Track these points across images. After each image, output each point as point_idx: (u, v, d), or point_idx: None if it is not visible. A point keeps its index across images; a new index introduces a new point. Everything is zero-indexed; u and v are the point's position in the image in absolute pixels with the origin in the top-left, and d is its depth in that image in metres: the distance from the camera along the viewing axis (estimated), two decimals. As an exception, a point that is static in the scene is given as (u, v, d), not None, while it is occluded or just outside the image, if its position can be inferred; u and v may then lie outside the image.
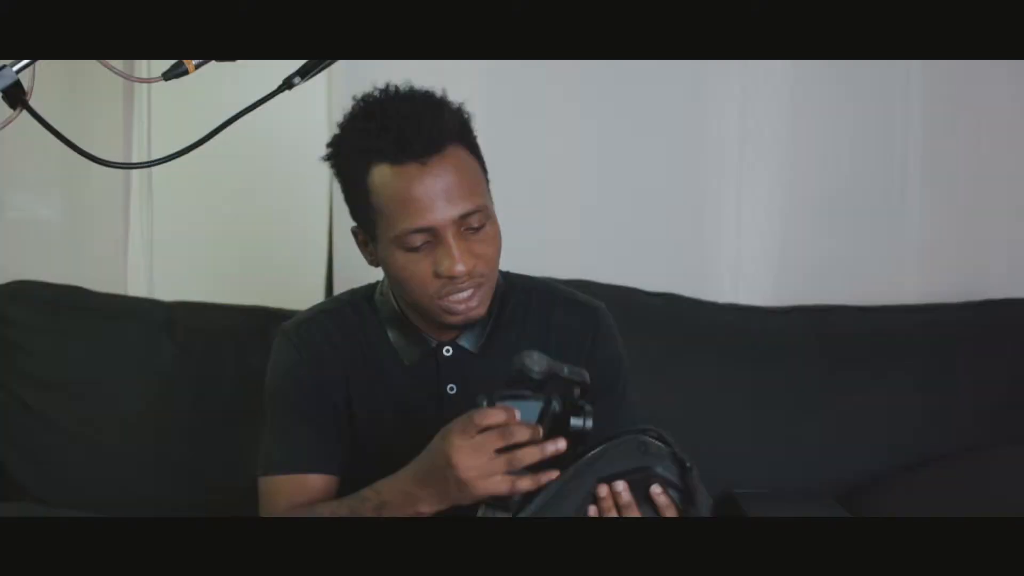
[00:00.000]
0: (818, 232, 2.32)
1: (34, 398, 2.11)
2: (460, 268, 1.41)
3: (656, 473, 1.31)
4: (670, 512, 1.33)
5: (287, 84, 1.34)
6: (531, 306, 1.59)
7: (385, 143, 1.42)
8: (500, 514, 1.27)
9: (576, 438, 1.27)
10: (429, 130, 1.41)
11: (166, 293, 2.26)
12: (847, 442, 2.09)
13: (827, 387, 2.12)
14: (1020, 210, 2.31)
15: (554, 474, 1.26)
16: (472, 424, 1.26)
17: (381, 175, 1.43)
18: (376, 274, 1.70)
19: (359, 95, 1.50)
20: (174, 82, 1.29)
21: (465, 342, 1.54)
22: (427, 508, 1.33)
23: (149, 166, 1.42)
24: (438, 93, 1.49)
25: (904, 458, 2.08)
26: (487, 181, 1.50)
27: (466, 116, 1.49)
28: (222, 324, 2.16)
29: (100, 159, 1.25)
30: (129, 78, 1.37)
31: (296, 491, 1.51)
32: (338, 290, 2.28)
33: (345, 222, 2.26)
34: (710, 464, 2.05)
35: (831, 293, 2.27)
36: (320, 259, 2.31)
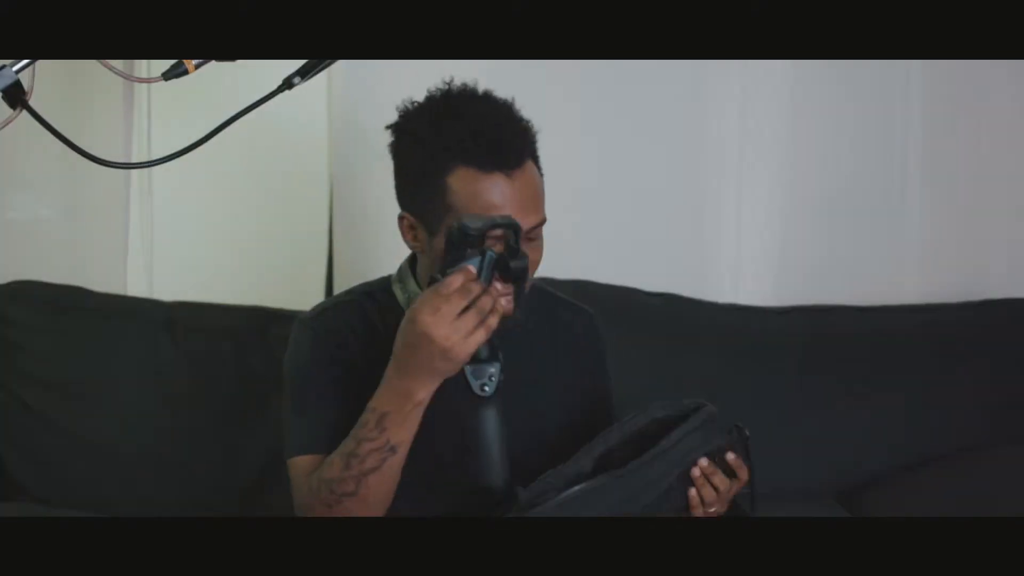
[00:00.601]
0: (818, 232, 2.32)
1: (34, 398, 2.11)
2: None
3: (727, 444, 1.45)
4: (743, 474, 1.47)
5: (287, 84, 1.34)
6: (537, 306, 1.62)
7: (476, 149, 1.45)
8: (486, 369, 1.36)
9: (517, 275, 1.38)
10: (516, 143, 1.48)
11: (166, 293, 2.26)
12: (847, 442, 2.09)
13: (827, 387, 2.12)
14: (1020, 210, 2.31)
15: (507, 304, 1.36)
16: (438, 296, 1.31)
17: (466, 178, 1.45)
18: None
19: (434, 89, 1.52)
20: (174, 82, 1.29)
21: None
22: (423, 393, 1.36)
23: (149, 166, 1.42)
24: (511, 102, 1.54)
25: (904, 458, 2.08)
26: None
27: (535, 133, 1.54)
28: (222, 324, 2.16)
29: (100, 159, 1.25)
30: (129, 78, 1.37)
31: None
32: (338, 290, 2.28)
33: (345, 223, 2.29)
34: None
35: (831, 293, 2.27)
36: (320, 259, 2.31)
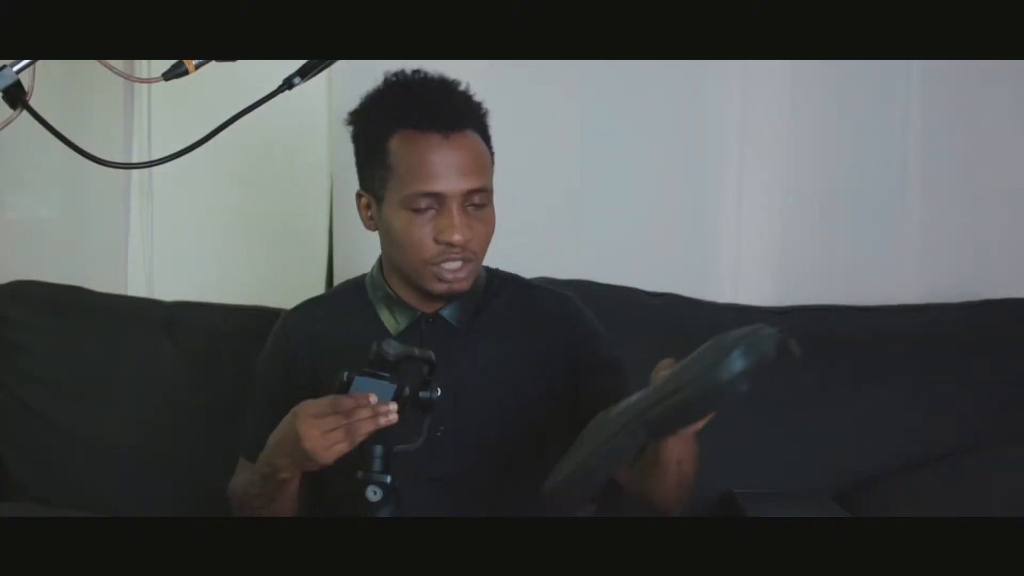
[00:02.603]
0: (818, 232, 2.32)
1: (34, 398, 2.11)
2: (458, 237, 1.54)
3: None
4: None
5: (287, 84, 1.34)
6: (509, 292, 1.71)
7: (415, 111, 1.55)
8: (376, 477, 1.39)
9: (425, 407, 1.43)
10: (455, 109, 1.58)
11: (166, 293, 2.26)
12: (847, 442, 2.09)
13: (827, 387, 2.12)
14: (1020, 210, 2.31)
15: (392, 415, 1.36)
16: (327, 407, 1.37)
17: (404, 139, 1.56)
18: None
19: (391, 72, 1.62)
20: (174, 82, 1.29)
21: (448, 314, 1.64)
22: (286, 474, 1.48)
23: (149, 166, 1.42)
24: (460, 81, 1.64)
25: (904, 458, 2.07)
26: (491, 171, 1.63)
27: (484, 110, 1.64)
28: (222, 324, 2.16)
29: (100, 159, 1.25)
30: (129, 78, 1.37)
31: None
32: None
33: (345, 222, 2.29)
34: (710, 464, 2.07)
35: (831, 293, 2.27)
36: (320, 259, 2.31)
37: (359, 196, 1.64)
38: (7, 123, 1.18)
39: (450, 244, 1.54)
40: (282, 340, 1.71)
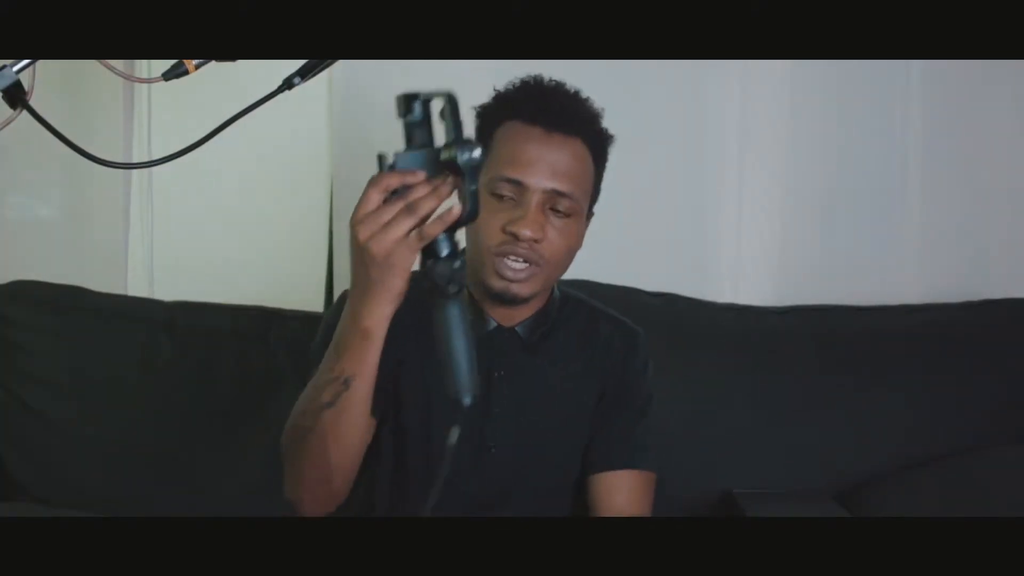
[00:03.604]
0: (818, 232, 2.32)
1: (34, 398, 2.11)
2: (527, 232, 1.47)
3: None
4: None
5: (287, 84, 1.34)
6: (580, 317, 1.67)
7: (528, 106, 1.52)
8: (441, 270, 1.17)
9: (469, 172, 1.17)
10: (569, 113, 1.53)
11: (166, 293, 2.26)
12: (847, 442, 2.09)
13: (827, 387, 2.12)
14: (1020, 210, 2.31)
15: (448, 185, 1.17)
16: (377, 197, 1.18)
17: (509, 128, 1.53)
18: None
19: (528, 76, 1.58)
20: (174, 82, 1.29)
21: (522, 331, 1.60)
22: (368, 319, 1.25)
23: (149, 166, 1.42)
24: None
25: (904, 458, 2.08)
26: (594, 195, 1.59)
27: (603, 130, 1.59)
28: (222, 324, 2.16)
29: (100, 159, 1.25)
30: (129, 78, 1.37)
31: None
32: (338, 290, 2.29)
33: (345, 222, 2.28)
34: (710, 464, 2.07)
35: (830, 293, 2.27)
36: (320, 259, 2.31)
37: None
38: (7, 123, 1.18)
39: (516, 236, 1.47)
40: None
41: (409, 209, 1.15)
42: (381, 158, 1.21)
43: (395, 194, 1.17)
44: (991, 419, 2.11)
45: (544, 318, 1.61)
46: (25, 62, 1.18)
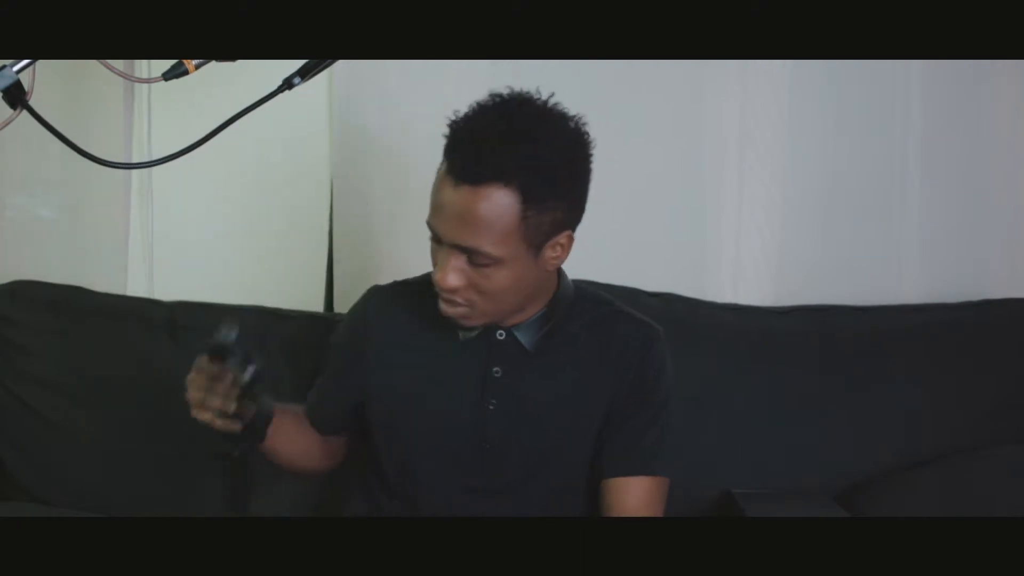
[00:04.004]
0: (818, 232, 2.32)
1: (34, 398, 2.11)
2: (444, 281, 1.49)
3: None
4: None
5: (287, 84, 1.34)
6: (594, 316, 1.66)
7: (452, 147, 1.48)
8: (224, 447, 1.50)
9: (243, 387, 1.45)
10: (482, 161, 1.44)
11: (166, 293, 2.26)
12: (847, 442, 2.09)
13: (827, 387, 2.12)
14: (1020, 210, 2.31)
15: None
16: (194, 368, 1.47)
17: (440, 168, 1.50)
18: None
19: (492, 91, 1.53)
20: (174, 82, 1.29)
21: (521, 335, 1.61)
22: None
23: (149, 166, 1.42)
24: (562, 127, 1.53)
25: (904, 458, 2.08)
26: (534, 228, 1.48)
27: (552, 164, 1.47)
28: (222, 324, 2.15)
29: (100, 159, 1.25)
30: (129, 78, 1.37)
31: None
32: (338, 290, 2.29)
33: (345, 223, 2.29)
34: (710, 464, 2.07)
35: (831, 293, 2.27)
36: (320, 259, 2.31)
37: None
38: (7, 123, 1.18)
39: (435, 283, 1.50)
40: (360, 313, 1.71)
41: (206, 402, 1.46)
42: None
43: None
44: (991, 419, 2.11)
45: (545, 320, 1.61)
46: (25, 62, 1.18)
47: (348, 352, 1.70)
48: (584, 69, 2.24)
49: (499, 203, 1.44)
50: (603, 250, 2.29)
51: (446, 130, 1.50)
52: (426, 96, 2.15)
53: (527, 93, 1.52)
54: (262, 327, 2.13)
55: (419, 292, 1.64)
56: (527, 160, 1.45)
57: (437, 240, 1.50)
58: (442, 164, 1.49)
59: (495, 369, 1.60)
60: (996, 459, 2.02)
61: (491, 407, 1.60)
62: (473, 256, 1.47)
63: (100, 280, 2.24)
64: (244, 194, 2.30)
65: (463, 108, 1.51)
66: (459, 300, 1.51)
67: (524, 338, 1.60)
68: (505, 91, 1.51)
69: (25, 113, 1.19)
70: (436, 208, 1.48)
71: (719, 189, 2.30)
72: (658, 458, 1.62)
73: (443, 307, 1.54)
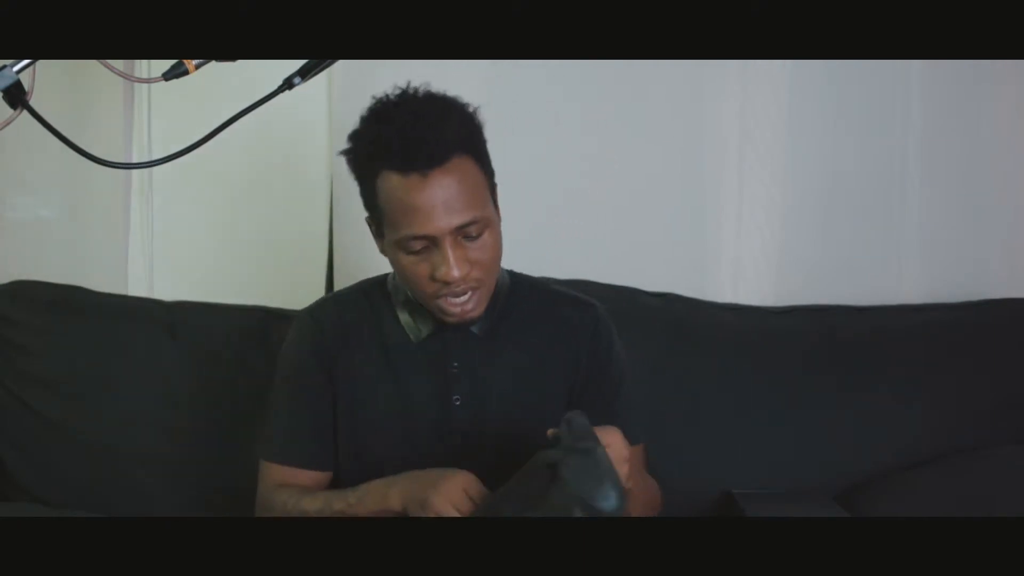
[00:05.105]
0: (818, 232, 2.32)
1: (34, 398, 2.11)
2: (455, 274, 1.50)
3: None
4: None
5: (287, 84, 1.34)
6: (534, 300, 1.70)
7: (393, 151, 1.48)
8: None
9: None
10: (435, 142, 1.47)
11: (166, 293, 2.26)
12: (847, 442, 2.09)
13: (827, 387, 2.12)
14: (1020, 210, 2.31)
15: None
16: (467, 498, 1.45)
17: (387, 181, 1.50)
18: (376, 271, 1.71)
19: (377, 94, 1.55)
20: (174, 82, 1.29)
21: (471, 325, 1.62)
22: (395, 503, 1.51)
23: (149, 166, 1.42)
24: (453, 97, 1.55)
25: (904, 458, 2.08)
26: (492, 187, 1.58)
27: (476, 124, 1.55)
28: (222, 324, 2.16)
29: (100, 159, 1.25)
30: (129, 78, 1.37)
31: (289, 481, 1.65)
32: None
33: (345, 223, 2.29)
34: (710, 464, 2.07)
35: (831, 293, 2.27)
36: (320, 259, 2.31)
37: (368, 222, 1.60)
38: (7, 123, 1.18)
39: (447, 283, 1.51)
40: (316, 334, 1.67)
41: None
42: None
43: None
44: (991, 419, 2.11)
45: (493, 305, 1.63)
46: (25, 62, 1.18)
47: (314, 377, 1.66)
48: (584, 69, 2.24)
49: (468, 170, 1.50)
50: (603, 250, 2.29)
51: (362, 151, 1.52)
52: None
53: (398, 87, 1.54)
54: (262, 327, 2.13)
55: (357, 304, 1.68)
56: (461, 128, 1.51)
57: (430, 241, 1.50)
58: (389, 178, 1.48)
59: (454, 364, 1.63)
60: (996, 459, 2.02)
61: (456, 402, 1.63)
62: (468, 228, 1.49)
63: (100, 280, 2.24)
64: (244, 194, 2.31)
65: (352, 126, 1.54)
66: (466, 288, 1.53)
67: (474, 326, 1.63)
68: (380, 94, 1.54)
69: (25, 113, 1.19)
70: (416, 211, 1.47)
71: (719, 189, 2.30)
72: (630, 426, 1.62)
73: (449, 308, 1.55)
